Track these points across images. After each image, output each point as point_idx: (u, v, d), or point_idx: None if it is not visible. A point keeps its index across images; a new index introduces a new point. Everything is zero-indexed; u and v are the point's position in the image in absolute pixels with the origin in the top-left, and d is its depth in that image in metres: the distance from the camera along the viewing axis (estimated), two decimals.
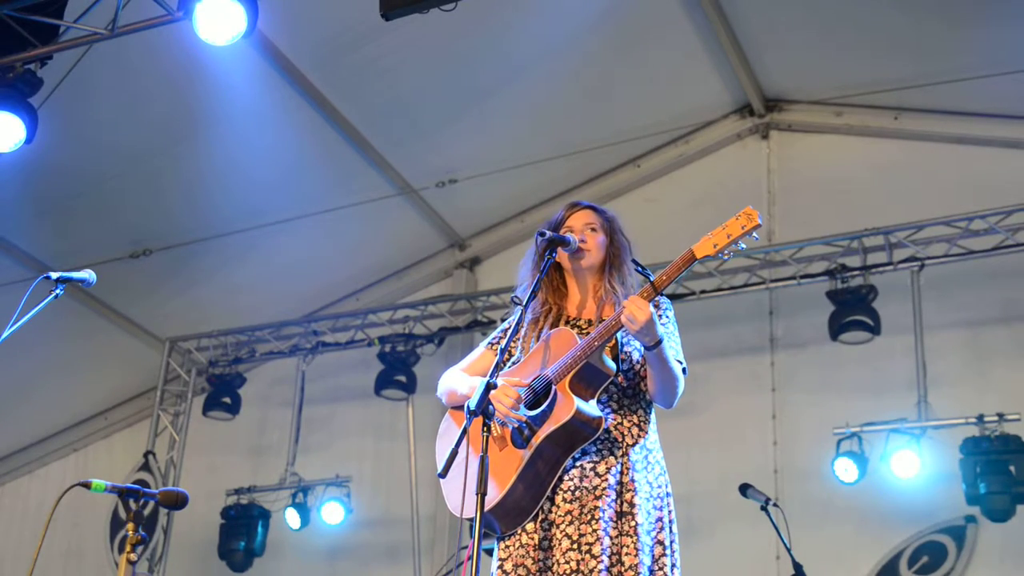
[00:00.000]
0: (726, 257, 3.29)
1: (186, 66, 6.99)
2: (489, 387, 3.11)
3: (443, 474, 3.19)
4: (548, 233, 3.48)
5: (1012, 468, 6.98)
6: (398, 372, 8.89)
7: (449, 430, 3.54)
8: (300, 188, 8.61)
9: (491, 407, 3.14)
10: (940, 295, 7.81)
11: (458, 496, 3.17)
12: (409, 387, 8.89)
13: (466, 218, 9.61)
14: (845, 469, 7.46)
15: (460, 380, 3.56)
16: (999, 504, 6.98)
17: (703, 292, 8.32)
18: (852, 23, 7.77)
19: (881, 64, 8.11)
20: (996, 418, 7.18)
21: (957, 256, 7.66)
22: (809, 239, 8.09)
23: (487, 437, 3.07)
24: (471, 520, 3.15)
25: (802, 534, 6.03)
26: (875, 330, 7.65)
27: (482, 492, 2.99)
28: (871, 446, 7.53)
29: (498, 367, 3.28)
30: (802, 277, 8.08)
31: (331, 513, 8.83)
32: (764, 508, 5.72)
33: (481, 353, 3.65)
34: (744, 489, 5.88)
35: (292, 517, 8.88)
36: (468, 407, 3.10)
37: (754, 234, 3.22)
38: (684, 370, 3.40)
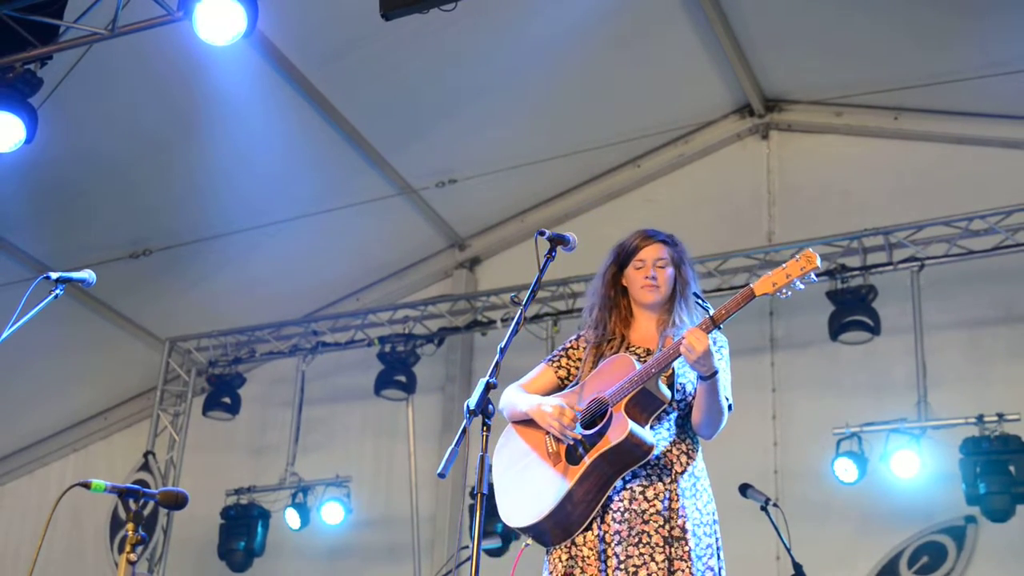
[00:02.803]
0: (783, 296, 3.46)
1: (185, 66, 6.99)
2: (488, 387, 3.17)
3: (443, 474, 3.24)
4: (547, 232, 3.53)
5: (1012, 468, 6.98)
6: (398, 372, 8.87)
7: (508, 443, 3.66)
8: (300, 188, 8.60)
9: (490, 407, 3.18)
10: (940, 295, 7.81)
11: (509, 505, 3.44)
12: (409, 387, 8.87)
13: (466, 218, 9.61)
14: (845, 469, 7.46)
15: (520, 396, 3.67)
16: (999, 504, 6.98)
17: (703, 292, 8.30)
18: (852, 23, 7.77)
19: (881, 64, 8.11)
20: (996, 418, 7.18)
21: (957, 256, 7.66)
22: (809, 239, 8.05)
23: (486, 436, 3.13)
24: (520, 529, 3.43)
25: (802, 534, 6.02)
26: (875, 330, 7.65)
27: (482, 491, 3.04)
28: (871, 446, 7.52)
29: (497, 366, 3.31)
30: None
31: (331, 513, 8.82)
32: (764, 508, 5.72)
33: (541, 370, 3.75)
34: (744, 489, 5.87)
35: (292, 517, 8.87)
36: (468, 406, 3.16)
37: (812, 275, 3.33)
38: (730, 407, 3.54)
